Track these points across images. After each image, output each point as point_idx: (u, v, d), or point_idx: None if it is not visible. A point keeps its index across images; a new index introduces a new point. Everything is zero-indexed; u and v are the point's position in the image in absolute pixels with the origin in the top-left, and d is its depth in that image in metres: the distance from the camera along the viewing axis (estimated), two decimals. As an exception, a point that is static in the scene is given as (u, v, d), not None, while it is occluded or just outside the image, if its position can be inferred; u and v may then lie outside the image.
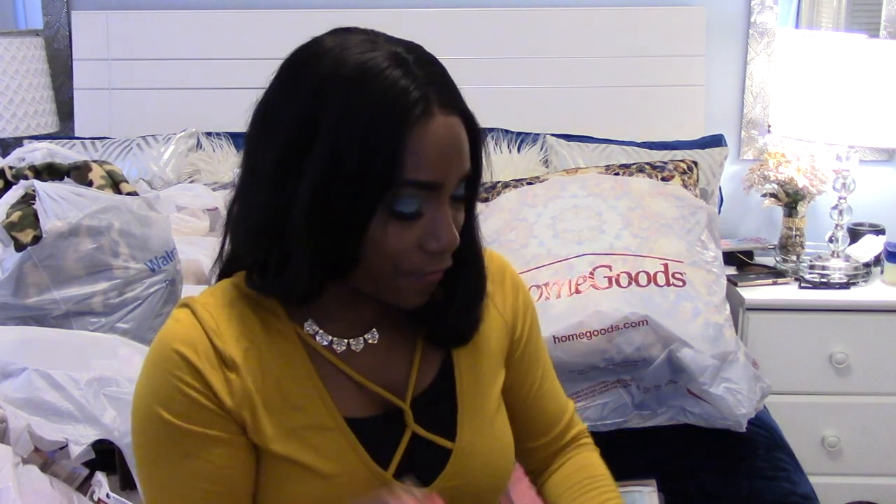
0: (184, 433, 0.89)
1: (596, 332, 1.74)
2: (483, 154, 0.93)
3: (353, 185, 0.83)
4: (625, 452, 1.63)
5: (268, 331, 0.93)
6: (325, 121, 0.84)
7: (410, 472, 0.96)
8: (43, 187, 1.60)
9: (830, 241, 2.51)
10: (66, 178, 1.71)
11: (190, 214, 2.23)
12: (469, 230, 0.96)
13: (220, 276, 0.99)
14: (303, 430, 0.92)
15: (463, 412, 1.00)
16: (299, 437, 0.92)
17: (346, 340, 0.95)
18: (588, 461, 1.16)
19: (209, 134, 2.71)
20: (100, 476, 1.29)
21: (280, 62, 0.93)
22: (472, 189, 0.93)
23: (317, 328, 0.95)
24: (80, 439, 1.28)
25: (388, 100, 0.83)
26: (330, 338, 0.95)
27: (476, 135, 0.91)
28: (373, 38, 0.89)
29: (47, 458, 1.27)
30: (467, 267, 0.97)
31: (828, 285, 2.45)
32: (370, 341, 0.97)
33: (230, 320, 0.92)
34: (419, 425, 0.97)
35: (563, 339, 1.73)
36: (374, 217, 0.85)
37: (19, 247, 1.56)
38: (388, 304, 0.95)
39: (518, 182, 2.28)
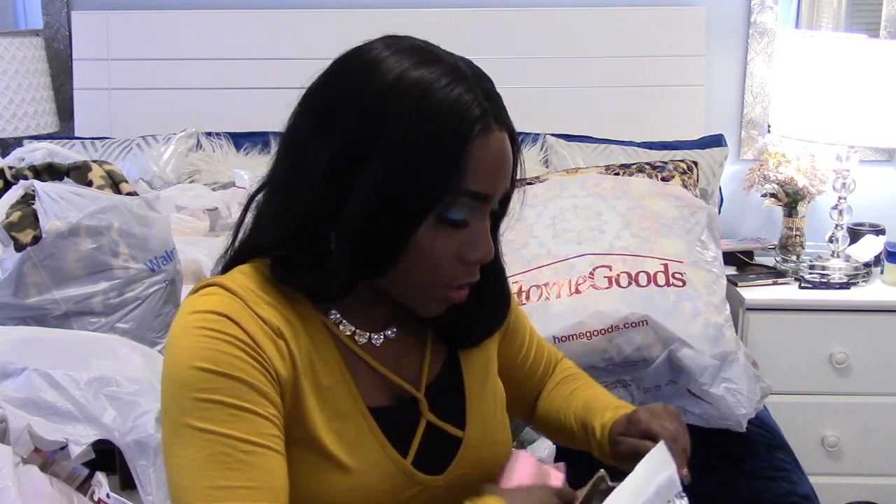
0: (233, 382, 0.85)
1: (596, 332, 1.74)
2: (517, 173, 0.97)
3: (413, 189, 0.87)
4: (625, 452, 1.63)
5: (298, 314, 0.94)
6: (389, 128, 0.87)
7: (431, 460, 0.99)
8: (43, 187, 1.60)
9: (830, 241, 2.51)
10: (66, 178, 1.71)
11: (190, 214, 2.23)
12: (495, 246, 1.00)
13: (232, 264, 0.98)
14: (330, 415, 0.93)
15: (471, 403, 1.05)
16: (327, 420, 0.93)
17: (367, 333, 0.98)
18: (562, 367, 1.26)
19: (209, 134, 2.71)
20: (100, 476, 1.29)
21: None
22: (503, 205, 0.98)
23: (340, 317, 0.97)
24: (80, 439, 1.27)
25: (453, 112, 0.87)
26: (353, 328, 0.97)
27: (517, 154, 0.95)
28: (428, 47, 0.92)
29: (47, 457, 1.27)
30: (493, 281, 1.03)
31: (828, 285, 2.45)
32: (389, 336, 1.00)
33: (263, 296, 0.91)
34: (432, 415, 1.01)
35: (563, 339, 1.73)
36: (424, 222, 0.88)
37: (19, 247, 1.56)
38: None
39: (518, 182, 2.27)
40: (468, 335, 1.06)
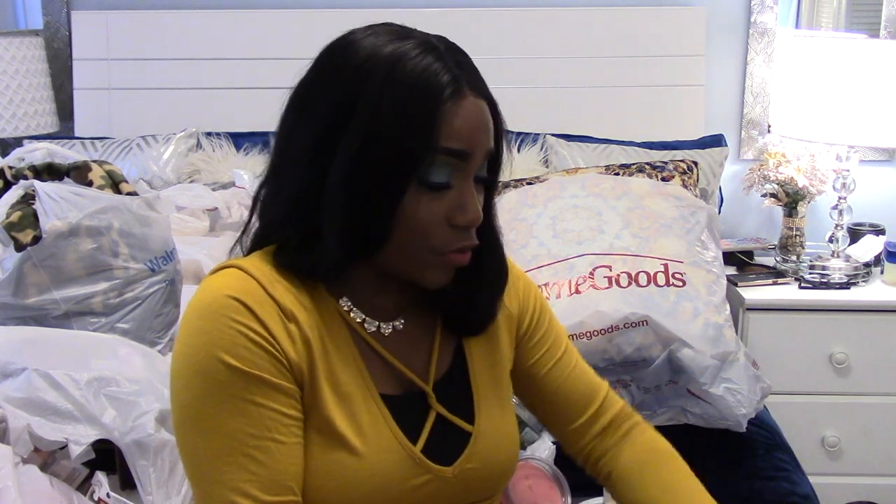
0: (250, 379, 0.88)
1: (596, 333, 1.74)
2: (504, 141, 0.99)
3: (390, 155, 0.90)
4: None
5: (312, 297, 0.96)
6: (363, 99, 0.90)
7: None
8: (43, 187, 1.60)
9: (830, 241, 2.51)
10: (66, 178, 1.71)
11: (190, 214, 2.23)
12: (488, 216, 1.01)
13: (248, 252, 1.01)
14: (343, 399, 0.95)
15: (478, 397, 1.06)
16: (339, 404, 0.94)
17: (376, 322, 1.00)
18: (646, 437, 1.18)
19: (209, 134, 2.71)
20: (100, 476, 1.29)
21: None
22: (493, 173, 0.99)
23: (351, 305, 0.99)
24: (79, 439, 1.28)
25: (423, 78, 0.90)
26: (363, 316, 0.99)
27: (499, 122, 0.98)
28: (404, 28, 0.96)
29: (47, 457, 1.27)
30: (488, 252, 1.02)
31: (828, 285, 2.45)
32: (397, 328, 1.02)
33: (279, 279, 0.94)
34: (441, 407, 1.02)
35: (563, 339, 1.73)
36: (408, 189, 0.90)
37: (19, 247, 1.56)
38: (412, 291, 1.01)
39: (518, 182, 2.28)
40: (471, 319, 1.06)
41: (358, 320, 0.99)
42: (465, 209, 0.93)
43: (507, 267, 1.08)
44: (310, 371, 0.93)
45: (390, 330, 1.01)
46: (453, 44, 0.96)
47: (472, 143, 0.92)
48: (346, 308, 0.98)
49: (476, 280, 1.02)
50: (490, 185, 1.00)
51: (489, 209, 1.02)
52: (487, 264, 1.03)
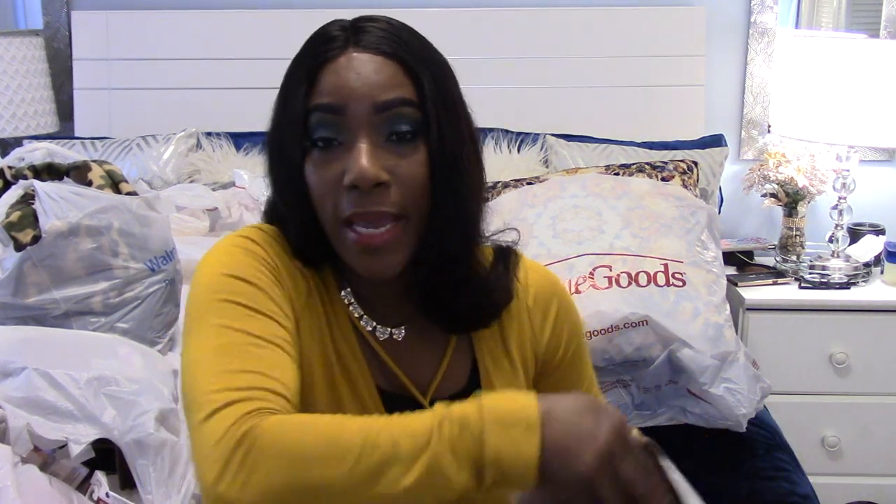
0: (253, 288, 0.88)
1: (596, 333, 1.74)
2: (443, 104, 0.91)
3: (282, 120, 0.93)
4: (625, 452, 1.63)
5: (324, 281, 0.97)
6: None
7: None
8: (42, 187, 1.60)
9: (830, 241, 2.51)
10: (66, 178, 1.71)
11: (190, 214, 2.23)
12: (444, 189, 0.92)
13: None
14: (337, 377, 0.94)
15: None
16: (332, 380, 0.94)
17: (374, 323, 0.98)
18: None
19: (209, 134, 2.71)
20: (99, 475, 1.29)
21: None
22: (439, 139, 0.90)
23: (352, 300, 0.98)
24: (79, 438, 1.28)
25: (311, 41, 0.93)
26: (361, 312, 0.98)
27: (421, 80, 0.91)
28: None
29: (47, 457, 1.27)
30: (437, 230, 0.93)
31: (828, 285, 2.45)
32: (395, 336, 0.99)
33: (288, 252, 0.96)
34: None
35: (563, 338, 1.73)
36: (307, 155, 0.91)
37: (19, 247, 1.56)
38: (416, 301, 0.98)
39: (518, 182, 2.28)
40: (454, 314, 0.99)
41: (356, 315, 0.98)
42: (351, 168, 0.87)
43: (470, 252, 0.98)
44: (303, 332, 0.93)
45: (386, 336, 0.98)
46: (385, 18, 0.94)
47: (344, 95, 0.88)
48: (346, 301, 0.98)
49: (430, 261, 0.95)
50: (440, 155, 0.90)
51: (443, 185, 0.91)
52: (435, 242, 0.93)
